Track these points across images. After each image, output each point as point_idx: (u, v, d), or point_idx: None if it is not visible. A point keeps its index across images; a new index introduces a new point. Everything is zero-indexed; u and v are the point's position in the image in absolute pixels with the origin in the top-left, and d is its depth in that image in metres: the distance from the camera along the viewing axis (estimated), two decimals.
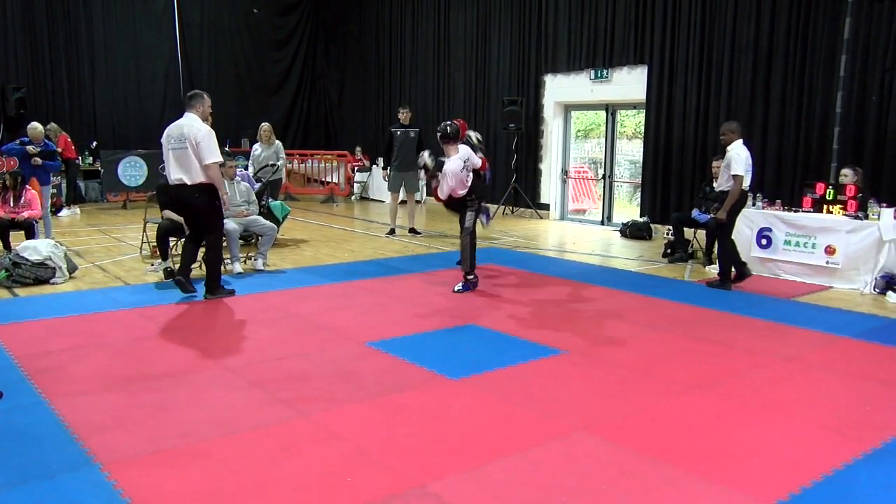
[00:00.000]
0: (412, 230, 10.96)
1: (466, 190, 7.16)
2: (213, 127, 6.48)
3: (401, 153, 10.61)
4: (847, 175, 7.82)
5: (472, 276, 7.15)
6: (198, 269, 7.75)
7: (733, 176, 7.19)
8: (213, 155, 6.33)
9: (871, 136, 8.76)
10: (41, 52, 14.81)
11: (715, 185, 7.93)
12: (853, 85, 8.86)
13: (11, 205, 8.16)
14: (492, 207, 13.57)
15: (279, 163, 10.30)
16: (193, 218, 6.69)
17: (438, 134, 7.12)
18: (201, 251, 6.95)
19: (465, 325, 5.85)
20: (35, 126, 9.68)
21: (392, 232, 10.90)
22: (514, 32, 13.61)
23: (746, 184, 7.29)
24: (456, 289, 7.07)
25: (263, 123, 10.64)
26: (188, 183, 6.37)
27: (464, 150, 7.18)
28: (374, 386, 4.41)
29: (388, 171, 10.88)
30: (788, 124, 9.56)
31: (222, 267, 7.85)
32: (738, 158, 7.17)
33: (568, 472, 3.30)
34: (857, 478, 3.32)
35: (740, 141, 7.33)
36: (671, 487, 3.18)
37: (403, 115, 10.80)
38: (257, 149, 10.44)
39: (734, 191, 7.20)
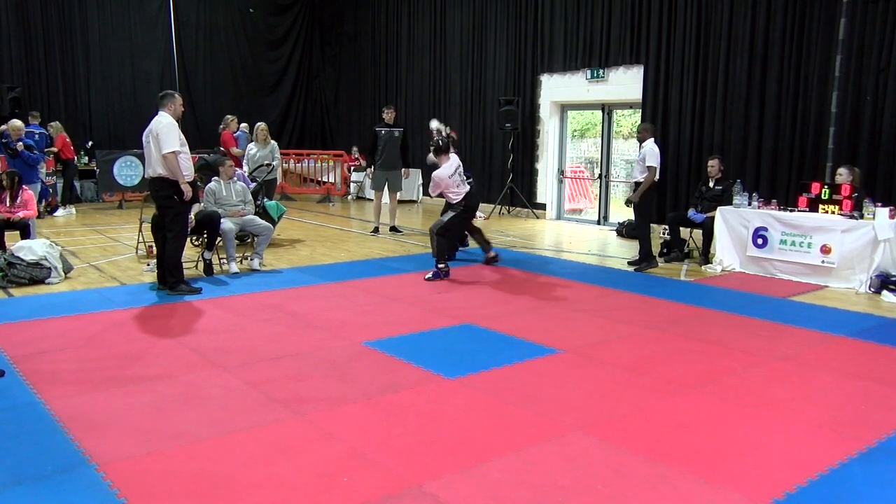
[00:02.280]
0: (393, 228, 11.04)
1: (460, 197, 7.75)
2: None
3: (385, 152, 10.71)
4: (843, 174, 7.84)
5: (442, 265, 7.63)
6: (193, 269, 7.75)
7: (648, 167, 8.25)
8: (169, 145, 6.44)
9: (866, 135, 8.78)
10: (36, 51, 14.79)
11: (633, 177, 8.79)
12: (848, 85, 8.88)
13: (7, 204, 8.13)
14: (488, 207, 13.61)
15: (274, 163, 10.29)
16: (162, 211, 6.86)
17: (432, 147, 7.63)
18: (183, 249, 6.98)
19: (461, 325, 5.85)
20: (13, 122, 9.69)
21: (376, 230, 10.99)
22: (511, 32, 13.62)
23: (657, 175, 8.40)
24: (427, 277, 7.58)
25: (259, 123, 10.63)
26: (152, 176, 6.62)
27: (454, 159, 7.78)
28: (370, 386, 4.41)
29: (373, 169, 10.96)
30: (784, 124, 9.58)
31: (220, 266, 7.87)
32: (652, 153, 8.30)
33: (563, 472, 3.30)
34: (852, 476, 3.33)
35: (652, 139, 8.43)
36: (667, 487, 3.18)
37: (388, 114, 10.90)
38: (252, 148, 10.42)
39: (648, 179, 8.28)
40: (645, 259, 8.42)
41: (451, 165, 7.75)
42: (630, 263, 8.58)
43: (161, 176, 6.54)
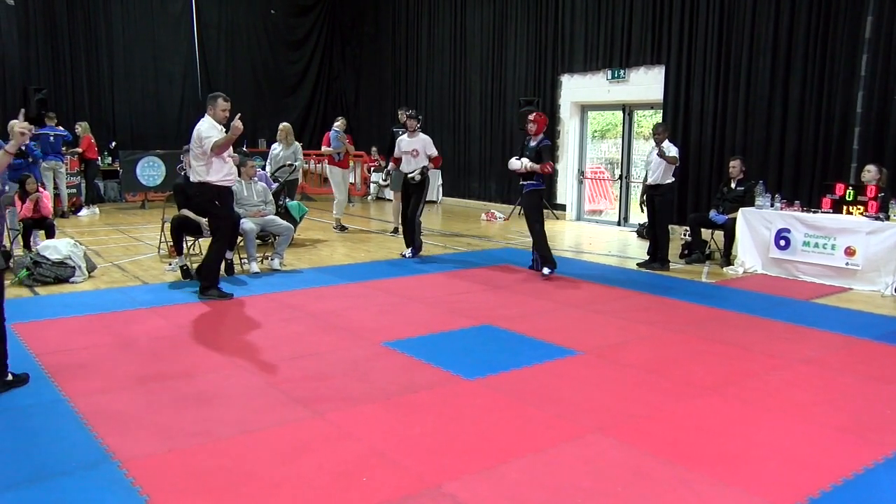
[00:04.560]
0: (396, 230, 11.07)
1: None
2: (228, 127, 6.46)
3: None
4: (871, 171, 7.70)
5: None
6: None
7: (673, 156, 8.31)
8: (210, 139, 6.35)
9: (892, 136, 8.65)
10: (62, 54, 15.00)
11: (651, 179, 8.60)
12: (874, 84, 8.76)
13: (34, 206, 8.27)
14: (508, 208, 13.58)
15: (296, 163, 10.37)
16: (206, 217, 6.99)
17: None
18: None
19: (480, 326, 5.85)
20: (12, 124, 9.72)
21: (396, 231, 11.01)
22: (531, 32, 13.60)
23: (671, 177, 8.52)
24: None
25: (283, 123, 10.71)
26: (196, 180, 6.59)
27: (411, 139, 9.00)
28: (389, 386, 4.42)
29: (389, 171, 11.01)
30: (807, 124, 9.48)
31: (241, 266, 7.93)
32: (675, 149, 8.47)
33: (583, 474, 3.29)
34: (877, 482, 3.28)
35: (667, 139, 8.49)
36: (686, 490, 3.16)
37: (404, 115, 10.92)
38: (276, 148, 10.51)
39: (674, 159, 8.33)
40: (658, 260, 8.45)
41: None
42: (648, 268, 8.49)
43: (202, 181, 6.51)
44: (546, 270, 7.80)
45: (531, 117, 8.01)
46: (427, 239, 10.67)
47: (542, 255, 7.92)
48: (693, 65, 10.78)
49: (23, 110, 3.43)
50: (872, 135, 8.80)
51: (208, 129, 6.45)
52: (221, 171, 6.54)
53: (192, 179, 6.72)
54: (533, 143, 7.93)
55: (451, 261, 8.85)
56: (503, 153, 14.37)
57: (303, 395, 4.25)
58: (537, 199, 8.05)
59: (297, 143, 10.65)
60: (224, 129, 6.53)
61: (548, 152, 7.94)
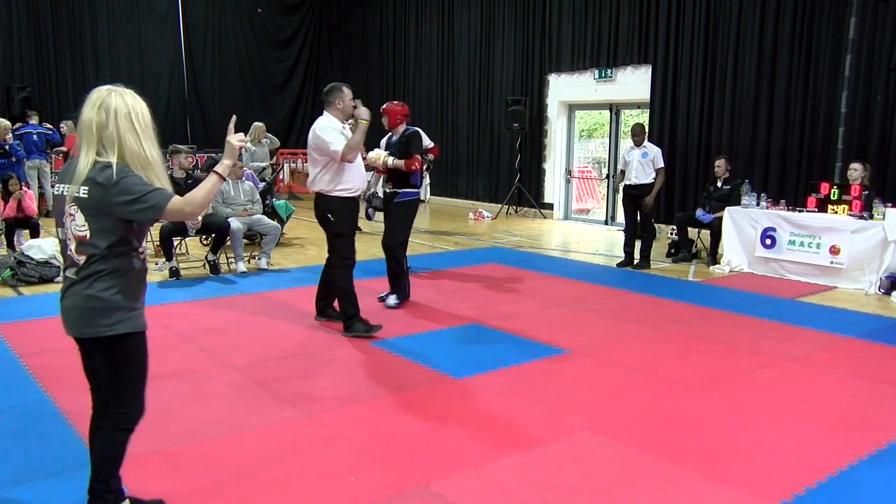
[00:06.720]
0: None
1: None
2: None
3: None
4: (857, 169, 7.75)
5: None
6: (201, 269, 7.78)
7: (658, 169, 8.36)
8: (335, 143, 5.25)
9: (876, 135, 8.74)
10: (46, 51, 14.87)
11: (634, 179, 8.50)
12: (858, 85, 8.84)
13: (17, 206, 8.20)
14: (496, 207, 13.60)
15: (262, 164, 10.84)
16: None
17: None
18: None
19: (469, 325, 5.85)
20: None
21: None
22: (518, 32, 13.62)
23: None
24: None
25: (256, 123, 11.05)
26: (314, 190, 5.52)
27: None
28: (377, 385, 4.41)
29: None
30: (793, 124, 9.55)
31: (227, 265, 7.89)
32: (660, 155, 8.44)
33: (571, 472, 3.30)
34: (861, 478, 3.31)
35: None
36: (674, 487, 3.17)
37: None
38: (250, 147, 10.87)
39: (661, 181, 8.43)
40: (643, 258, 8.47)
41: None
42: (635, 268, 8.48)
43: (318, 192, 5.45)
44: (393, 300, 6.37)
45: (382, 109, 6.38)
46: (415, 238, 10.65)
47: (399, 283, 6.43)
48: (679, 64, 10.84)
49: (234, 117, 2.88)
50: (857, 134, 8.89)
51: (329, 132, 5.30)
52: (334, 180, 5.37)
53: (313, 189, 5.56)
54: (395, 138, 6.39)
55: (439, 260, 8.85)
56: (491, 152, 14.41)
57: (291, 394, 4.24)
58: (412, 213, 6.50)
59: (266, 140, 11.12)
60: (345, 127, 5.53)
61: (418, 142, 6.31)
